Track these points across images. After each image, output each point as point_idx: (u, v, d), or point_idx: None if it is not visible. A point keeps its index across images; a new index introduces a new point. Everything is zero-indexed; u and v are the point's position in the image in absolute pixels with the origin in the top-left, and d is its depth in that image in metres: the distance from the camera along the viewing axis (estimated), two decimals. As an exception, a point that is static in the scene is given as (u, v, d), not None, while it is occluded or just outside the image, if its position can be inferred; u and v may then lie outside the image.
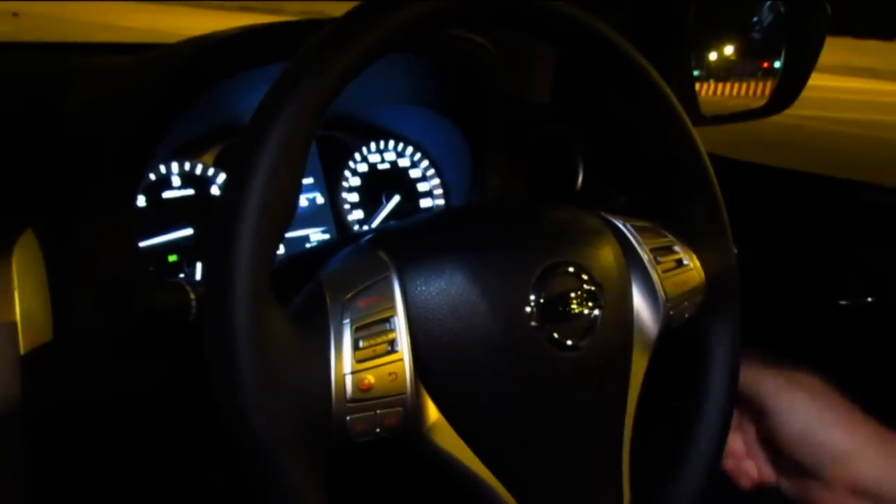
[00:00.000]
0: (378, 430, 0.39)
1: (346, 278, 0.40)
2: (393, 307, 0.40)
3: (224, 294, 0.34)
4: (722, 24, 0.96)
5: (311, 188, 0.79)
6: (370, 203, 0.83)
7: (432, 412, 0.41)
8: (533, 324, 0.43)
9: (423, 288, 0.41)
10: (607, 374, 0.47)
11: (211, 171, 0.71)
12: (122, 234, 0.56)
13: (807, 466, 0.53)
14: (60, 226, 0.54)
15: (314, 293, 0.40)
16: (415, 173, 0.86)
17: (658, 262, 0.50)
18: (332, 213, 0.80)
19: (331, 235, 0.79)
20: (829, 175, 0.86)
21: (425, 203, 0.86)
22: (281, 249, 0.76)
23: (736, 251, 0.56)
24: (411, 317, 0.40)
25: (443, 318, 0.41)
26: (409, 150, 0.86)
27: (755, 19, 0.98)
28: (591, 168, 0.81)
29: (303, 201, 0.78)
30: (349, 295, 0.39)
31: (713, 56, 0.97)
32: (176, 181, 0.69)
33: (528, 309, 0.43)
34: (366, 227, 0.82)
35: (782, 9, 0.91)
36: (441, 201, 0.87)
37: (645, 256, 0.50)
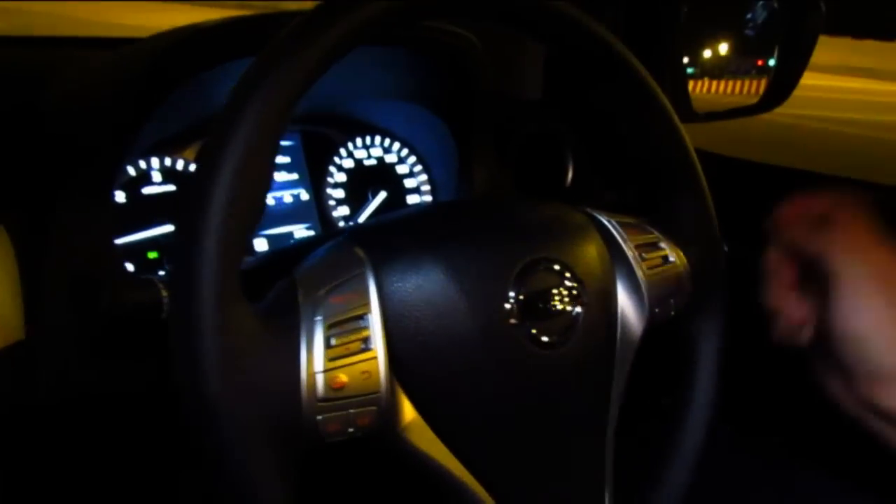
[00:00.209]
0: (351, 430, 0.38)
1: (319, 275, 0.39)
2: (367, 304, 0.39)
3: (187, 291, 0.33)
4: (716, 21, 0.96)
5: (295, 184, 0.78)
6: (356, 199, 0.82)
7: (408, 411, 0.40)
8: (512, 321, 0.42)
9: (400, 284, 0.40)
10: (589, 372, 0.46)
11: (192, 167, 0.70)
12: (95, 231, 0.55)
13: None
14: (33, 222, 0.53)
15: (287, 290, 0.39)
16: (402, 169, 0.85)
17: (643, 259, 0.49)
18: (317, 210, 0.79)
19: (315, 232, 0.78)
20: (820, 172, 0.85)
21: (412, 199, 0.85)
22: (265, 246, 0.75)
23: (726, 248, 0.55)
24: (387, 314, 0.39)
25: (419, 315, 0.40)
26: (396, 145, 0.85)
27: (749, 16, 0.97)
28: (580, 165, 0.80)
29: (287, 197, 0.77)
30: (322, 291, 0.38)
31: (707, 53, 0.97)
32: (156, 177, 0.68)
33: (507, 306, 0.42)
34: (351, 224, 0.81)
35: (776, 6, 0.90)
36: (429, 198, 0.86)
37: (630, 253, 0.49)
